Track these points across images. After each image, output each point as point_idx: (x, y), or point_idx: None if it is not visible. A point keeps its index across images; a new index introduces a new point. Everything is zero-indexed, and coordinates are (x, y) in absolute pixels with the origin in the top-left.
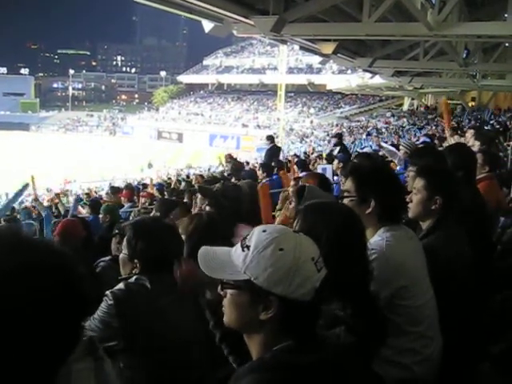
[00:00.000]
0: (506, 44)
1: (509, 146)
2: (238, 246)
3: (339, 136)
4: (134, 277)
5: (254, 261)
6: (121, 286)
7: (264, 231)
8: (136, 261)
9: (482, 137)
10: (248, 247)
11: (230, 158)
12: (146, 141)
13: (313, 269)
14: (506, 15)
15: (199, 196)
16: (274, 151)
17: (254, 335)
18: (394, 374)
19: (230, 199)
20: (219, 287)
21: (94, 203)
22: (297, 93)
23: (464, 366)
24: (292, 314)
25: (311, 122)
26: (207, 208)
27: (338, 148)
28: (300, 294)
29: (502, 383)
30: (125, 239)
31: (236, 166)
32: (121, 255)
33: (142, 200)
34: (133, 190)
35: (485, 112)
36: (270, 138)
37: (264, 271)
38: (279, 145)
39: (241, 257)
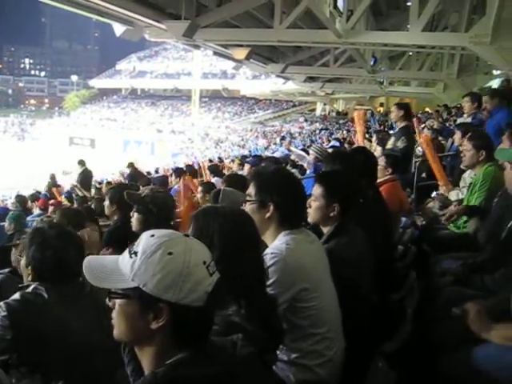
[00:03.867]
0: (410, 53)
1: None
2: (126, 252)
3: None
4: (32, 286)
5: (143, 267)
6: (16, 296)
7: (152, 236)
8: (30, 268)
9: (382, 142)
10: (136, 253)
11: (130, 166)
12: (56, 147)
13: (204, 273)
14: (408, 26)
15: (107, 203)
16: (86, 174)
17: (146, 348)
18: (298, 376)
19: (158, 205)
20: (107, 299)
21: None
22: (211, 98)
23: (364, 366)
24: (184, 321)
25: (226, 127)
26: (135, 215)
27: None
28: (191, 299)
29: (393, 377)
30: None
31: (134, 173)
32: (21, 262)
33: (51, 209)
34: (47, 199)
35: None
36: (81, 163)
37: (153, 277)
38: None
39: (129, 264)
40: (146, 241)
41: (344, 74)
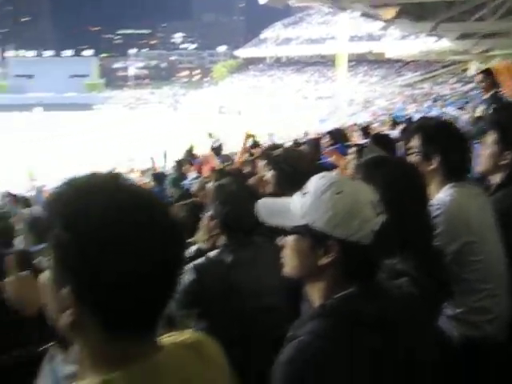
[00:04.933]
0: None
1: None
2: (297, 193)
3: None
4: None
5: (313, 205)
6: (202, 258)
7: (322, 177)
8: (216, 224)
9: None
10: (307, 193)
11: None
12: (206, 116)
13: (372, 212)
14: None
15: (260, 163)
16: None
17: (315, 283)
18: (462, 331)
19: (291, 164)
20: (279, 238)
21: (158, 176)
22: (357, 62)
23: None
24: (352, 257)
25: (373, 90)
26: (270, 173)
27: None
28: (359, 236)
29: None
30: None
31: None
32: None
33: (206, 172)
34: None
35: None
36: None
37: (323, 215)
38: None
39: (300, 203)
40: (316, 182)
41: (503, 28)
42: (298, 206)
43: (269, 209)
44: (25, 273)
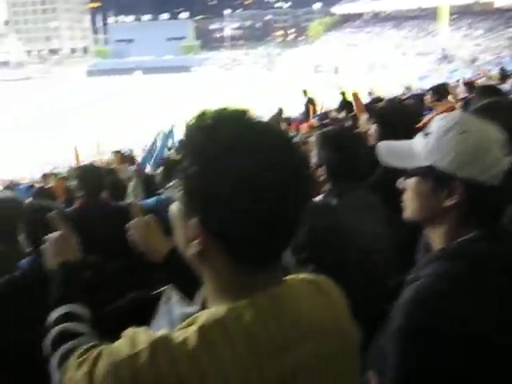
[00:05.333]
0: None
1: None
2: (419, 135)
3: None
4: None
5: (437, 146)
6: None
7: (445, 117)
8: (322, 171)
9: None
10: (429, 134)
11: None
12: (302, 75)
13: (498, 152)
14: None
15: (362, 118)
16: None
17: (437, 226)
18: None
19: (395, 116)
20: (398, 181)
21: None
22: (460, 14)
23: None
24: (477, 199)
25: (477, 45)
26: (373, 126)
27: None
28: (487, 176)
29: None
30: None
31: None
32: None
33: (304, 129)
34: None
35: None
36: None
37: (447, 155)
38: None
39: (422, 144)
40: (438, 122)
41: None
42: (420, 147)
43: (390, 151)
44: (149, 216)
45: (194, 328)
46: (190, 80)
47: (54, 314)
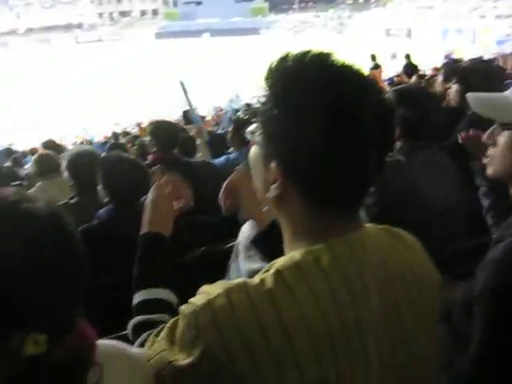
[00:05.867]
0: None
1: None
2: None
3: None
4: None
5: None
6: None
7: None
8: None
9: None
10: None
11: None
12: (372, 39)
13: None
14: None
15: (438, 79)
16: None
17: None
18: None
19: (479, 76)
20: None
21: None
22: None
23: None
24: None
25: None
26: (454, 86)
27: None
28: None
29: None
30: None
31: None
32: None
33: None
34: None
35: None
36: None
37: None
38: None
39: None
40: None
41: None
42: None
43: (483, 102)
44: (243, 165)
45: (270, 272)
46: (258, 43)
47: (140, 297)
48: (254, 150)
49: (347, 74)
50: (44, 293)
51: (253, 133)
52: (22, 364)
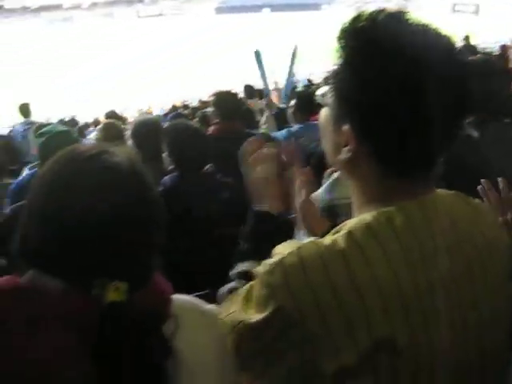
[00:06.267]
0: None
1: None
2: None
3: None
4: None
5: None
6: None
7: None
8: None
9: None
10: None
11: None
12: (438, 15)
13: None
14: None
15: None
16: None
17: None
18: None
19: None
20: None
21: None
22: None
23: None
24: None
25: None
26: None
27: None
28: None
29: None
30: None
31: None
32: None
33: None
34: None
35: None
36: None
37: None
38: None
39: None
40: None
41: None
42: None
43: None
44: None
45: (341, 233)
46: (318, 18)
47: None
48: (324, 113)
49: (424, 33)
50: (126, 241)
51: (324, 95)
52: (103, 309)
